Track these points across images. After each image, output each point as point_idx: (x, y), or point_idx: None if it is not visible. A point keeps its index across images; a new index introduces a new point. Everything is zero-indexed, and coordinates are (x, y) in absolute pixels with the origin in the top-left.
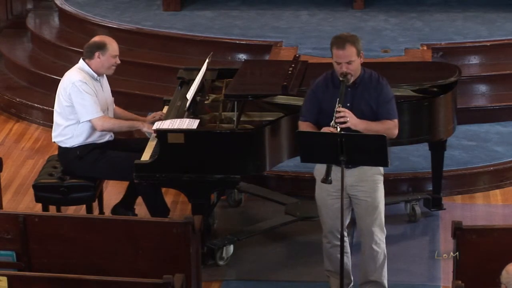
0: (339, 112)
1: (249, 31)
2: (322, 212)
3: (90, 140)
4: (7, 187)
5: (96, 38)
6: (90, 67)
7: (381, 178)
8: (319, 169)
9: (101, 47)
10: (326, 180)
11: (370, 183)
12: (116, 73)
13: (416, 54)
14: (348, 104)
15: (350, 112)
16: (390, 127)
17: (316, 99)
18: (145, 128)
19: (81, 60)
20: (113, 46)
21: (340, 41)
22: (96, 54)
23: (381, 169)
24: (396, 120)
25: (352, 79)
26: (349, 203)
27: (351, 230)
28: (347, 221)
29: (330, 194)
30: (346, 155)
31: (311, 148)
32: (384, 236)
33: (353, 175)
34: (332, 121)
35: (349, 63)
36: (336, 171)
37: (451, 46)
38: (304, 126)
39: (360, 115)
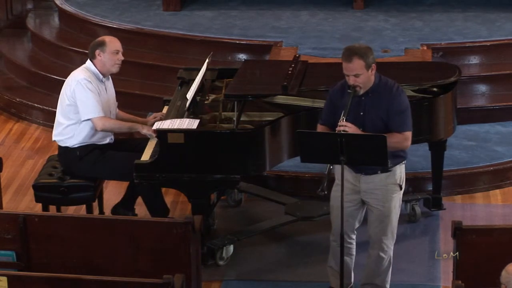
0: (340, 125)
1: (249, 31)
2: (334, 212)
3: (90, 141)
4: (7, 187)
5: (99, 38)
6: (96, 67)
7: (397, 188)
8: (338, 169)
9: (100, 45)
10: (320, 192)
11: (384, 191)
12: (116, 73)
13: (416, 54)
14: (361, 113)
15: (352, 125)
16: (397, 140)
17: (332, 104)
18: (144, 130)
19: (88, 60)
20: (112, 43)
21: (347, 54)
22: (97, 52)
23: (399, 179)
24: (407, 133)
25: (362, 91)
26: (360, 207)
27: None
28: (357, 225)
29: (345, 196)
30: (346, 155)
31: (311, 148)
32: (392, 243)
33: (368, 182)
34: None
35: (356, 76)
36: (349, 175)
37: (451, 46)
38: (319, 129)
39: (371, 124)
